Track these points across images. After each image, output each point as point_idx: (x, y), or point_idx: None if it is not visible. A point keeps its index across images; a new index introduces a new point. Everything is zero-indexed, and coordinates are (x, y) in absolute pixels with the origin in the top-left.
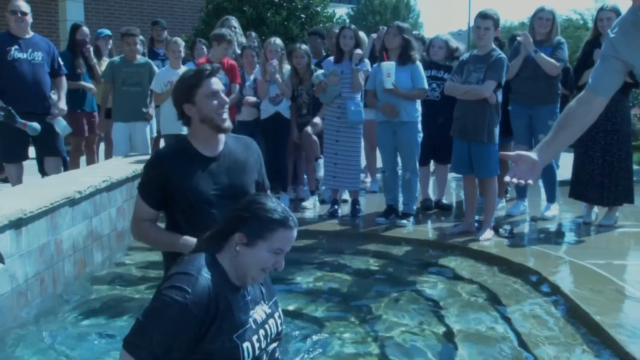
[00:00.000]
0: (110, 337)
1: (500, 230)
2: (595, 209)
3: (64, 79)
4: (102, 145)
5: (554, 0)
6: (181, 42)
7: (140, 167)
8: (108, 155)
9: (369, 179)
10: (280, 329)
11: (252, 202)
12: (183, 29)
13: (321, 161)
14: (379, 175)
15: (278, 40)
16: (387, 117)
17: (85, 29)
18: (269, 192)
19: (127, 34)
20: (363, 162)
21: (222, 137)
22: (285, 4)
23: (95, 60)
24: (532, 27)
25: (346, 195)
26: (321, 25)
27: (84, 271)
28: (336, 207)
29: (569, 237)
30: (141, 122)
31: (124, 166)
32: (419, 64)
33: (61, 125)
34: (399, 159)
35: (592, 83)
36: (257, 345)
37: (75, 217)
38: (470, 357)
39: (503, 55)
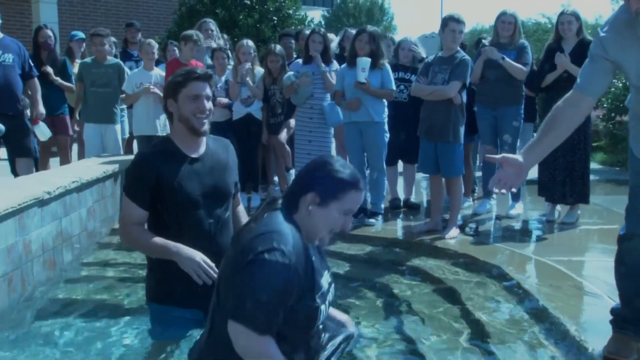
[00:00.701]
0: (80, 337)
1: (466, 228)
2: (558, 207)
3: (36, 81)
4: (75, 147)
5: (525, 4)
6: (155, 44)
7: (111, 168)
8: (81, 156)
9: None
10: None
11: (325, 163)
12: (157, 30)
13: (293, 171)
14: None
15: (250, 43)
16: (352, 118)
17: (48, 31)
18: (238, 193)
19: (95, 34)
20: None
21: (202, 138)
22: (257, 7)
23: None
24: (496, 30)
25: None
26: (293, 27)
27: (54, 271)
28: None
29: (532, 234)
30: (112, 124)
31: (95, 167)
32: (387, 66)
33: (43, 131)
34: (366, 159)
35: (580, 83)
36: (325, 309)
37: (44, 217)
38: (432, 349)
39: (467, 57)
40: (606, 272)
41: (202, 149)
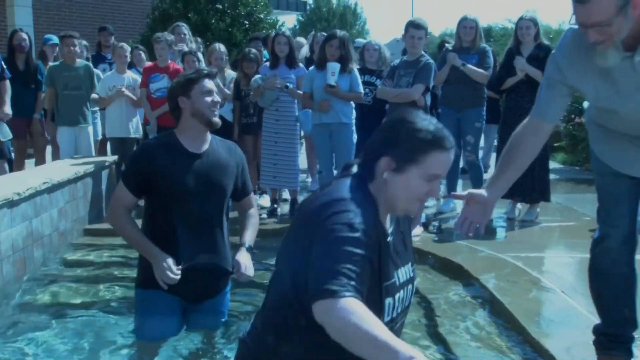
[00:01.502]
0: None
1: (430, 226)
2: (519, 205)
3: (7, 82)
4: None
5: (491, 10)
6: (127, 47)
7: (83, 169)
8: (55, 158)
9: (310, 179)
10: (411, 301)
11: (400, 120)
12: (133, 34)
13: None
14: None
15: (222, 48)
16: (321, 119)
17: (23, 34)
18: (251, 196)
19: (66, 36)
20: (305, 163)
21: (208, 136)
22: (229, 11)
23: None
24: (458, 35)
25: (286, 195)
26: (264, 31)
27: (24, 271)
28: (275, 206)
29: (493, 232)
30: (85, 126)
31: (66, 168)
32: (356, 70)
33: (2, 131)
34: (335, 160)
35: (539, 109)
36: (396, 305)
37: (14, 218)
38: None
39: (431, 60)
40: (562, 267)
41: (205, 147)
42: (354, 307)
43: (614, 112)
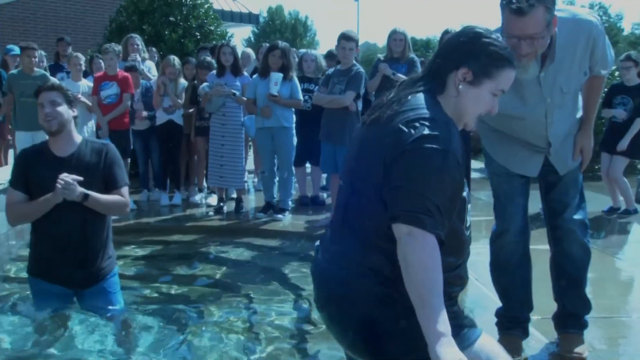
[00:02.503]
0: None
1: None
2: None
3: None
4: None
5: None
6: (81, 57)
7: None
8: None
9: (256, 179)
10: None
11: (479, 35)
12: (93, 45)
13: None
14: None
15: (176, 60)
16: (264, 124)
17: None
18: (122, 190)
19: (27, 48)
20: (252, 164)
21: (73, 140)
22: (181, 23)
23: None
24: (389, 47)
25: (233, 194)
26: (214, 42)
27: None
28: (222, 204)
29: None
30: (42, 130)
31: None
32: (296, 78)
33: None
34: (277, 161)
35: None
36: (469, 212)
37: None
38: (319, 332)
39: (362, 69)
40: (479, 257)
41: (71, 150)
42: (434, 253)
43: (520, 118)
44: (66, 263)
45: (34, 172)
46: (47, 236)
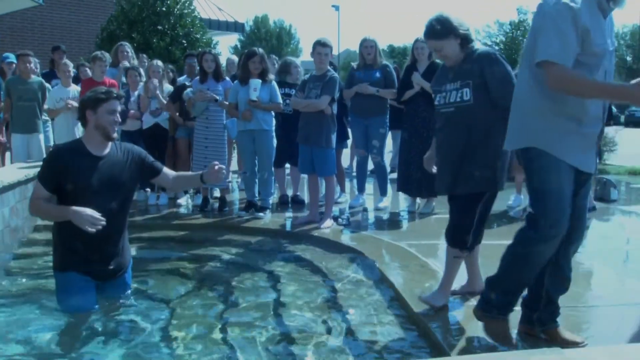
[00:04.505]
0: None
1: (339, 219)
2: (418, 200)
3: None
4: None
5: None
6: (70, 64)
7: (32, 172)
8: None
9: (239, 179)
10: None
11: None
12: (85, 53)
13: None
14: None
15: (159, 62)
16: (246, 126)
17: None
18: (165, 170)
19: (23, 55)
20: (235, 165)
21: (108, 142)
22: (169, 32)
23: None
24: (361, 54)
25: (217, 193)
26: (200, 49)
27: None
28: (207, 203)
29: (395, 223)
30: (37, 133)
31: (18, 171)
32: (274, 83)
33: None
34: (257, 162)
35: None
36: None
37: None
38: (297, 310)
39: (336, 75)
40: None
41: (107, 150)
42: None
43: (600, 61)
44: (102, 259)
45: (74, 169)
46: (83, 233)
